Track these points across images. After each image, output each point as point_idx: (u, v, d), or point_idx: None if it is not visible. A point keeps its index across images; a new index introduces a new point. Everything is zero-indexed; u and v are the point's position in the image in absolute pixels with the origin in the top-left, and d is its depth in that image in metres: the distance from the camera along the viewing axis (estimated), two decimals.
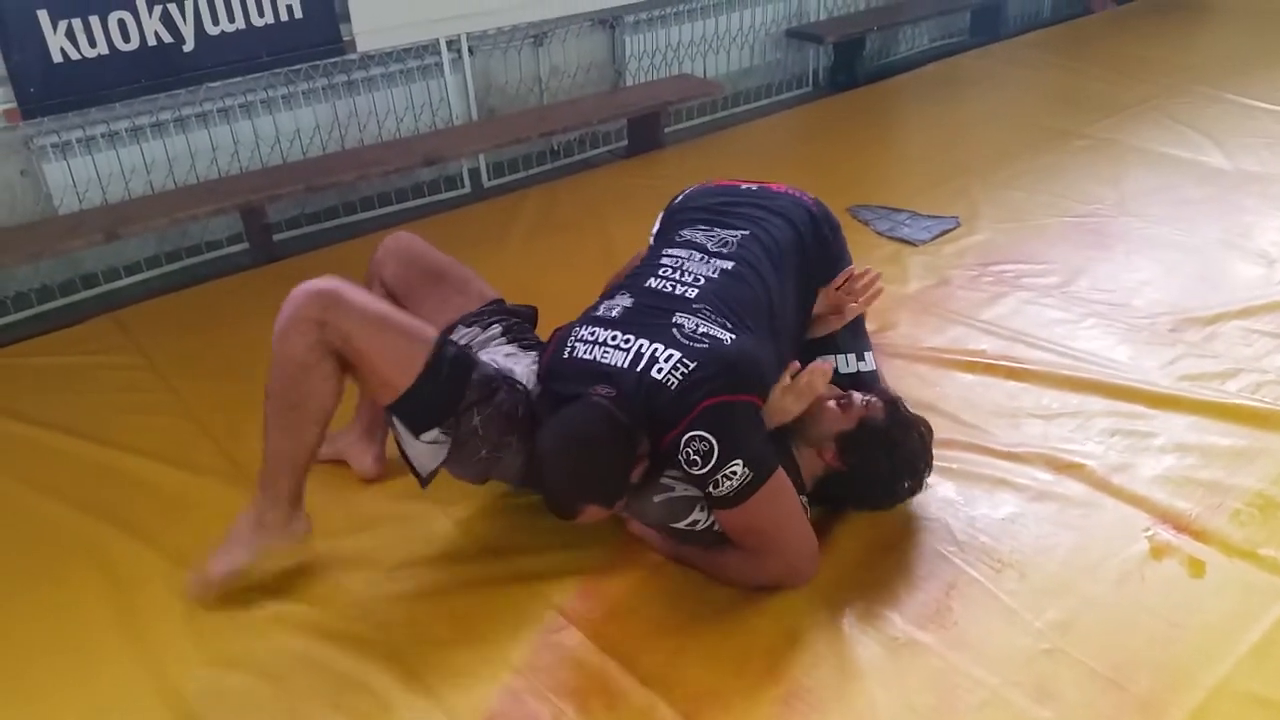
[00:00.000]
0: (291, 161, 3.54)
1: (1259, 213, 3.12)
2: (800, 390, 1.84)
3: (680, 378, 1.69)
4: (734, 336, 1.76)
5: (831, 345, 2.11)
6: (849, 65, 4.76)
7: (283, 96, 3.51)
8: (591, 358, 1.78)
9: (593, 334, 1.82)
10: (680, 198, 2.17)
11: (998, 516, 1.96)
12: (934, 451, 1.94)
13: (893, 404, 1.92)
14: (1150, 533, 1.90)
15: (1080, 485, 2.03)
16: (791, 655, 1.69)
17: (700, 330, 1.75)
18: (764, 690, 1.63)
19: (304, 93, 3.54)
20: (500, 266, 3.05)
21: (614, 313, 1.85)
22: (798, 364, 1.86)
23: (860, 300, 2.11)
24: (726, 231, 1.96)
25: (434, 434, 1.79)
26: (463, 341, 1.99)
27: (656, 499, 1.78)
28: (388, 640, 1.78)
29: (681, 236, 1.98)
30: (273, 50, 3.31)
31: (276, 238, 3.47)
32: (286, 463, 1.80)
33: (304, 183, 3.31)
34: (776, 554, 1.77)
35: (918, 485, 1.93)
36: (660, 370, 1.70)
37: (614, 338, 1.79)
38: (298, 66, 3.44)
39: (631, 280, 1.94)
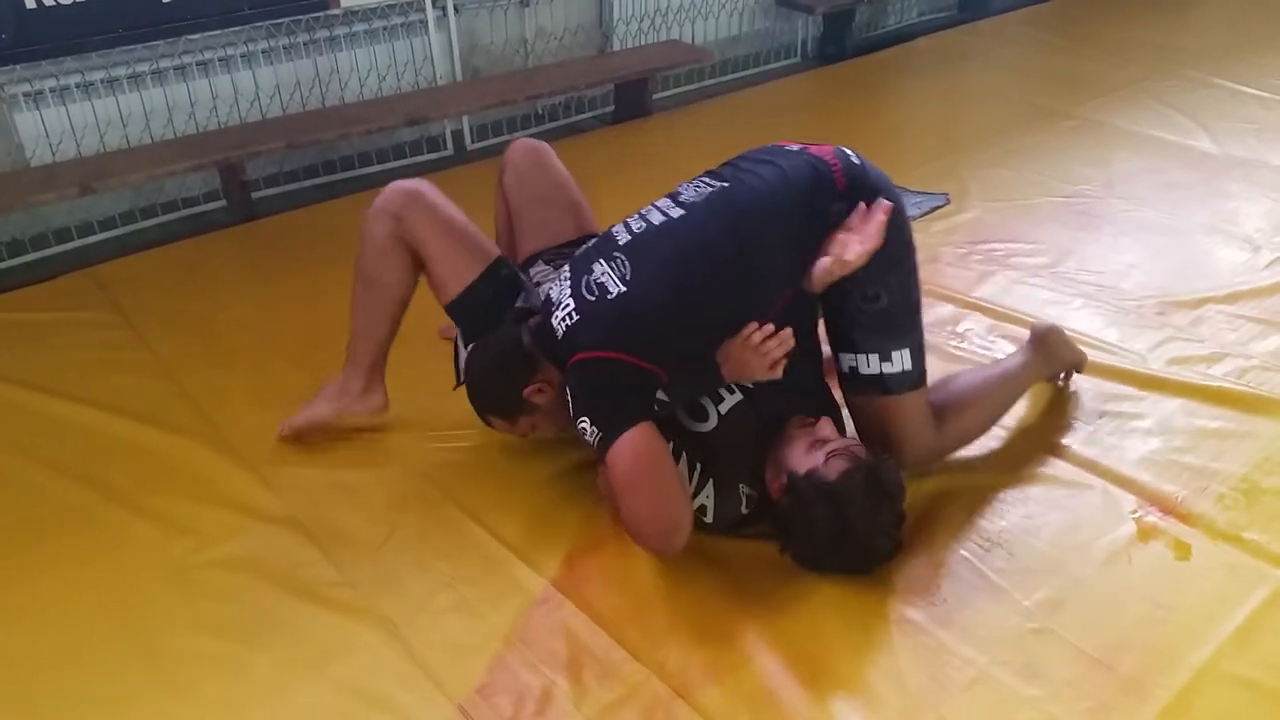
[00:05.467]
0: (271, 118, 3.46)
1: (1245, 198, 3.13)
2: (759, 350, 1.73)
3: (565, 328, 1.78)
4: (624, 289, 1.73)
5: (848, 342, 1.88)
6: (838, 37, 4.72)
7: (263, 51, 3.42)
8: (552, 288, 1.89)
9: (564, 267, 1.92)
10: None
11: (986, 496, 1.97)
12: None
13: (854, 471, 1.69)
14: (1137, 514, 1.91)
15: (1068, 465, 2.04)
16: (782, 631, 1.69)
17: (599, 280, 1.77)
18: (755, 665, 1.63)
19: (285, 48, 3.45)
20: (484, 231, 3.01)
21: (579, 250, 1.94)
22: (767, 326, 1.73)
23: (842, 248, 1.73)
24: (713, 181, 1.85)
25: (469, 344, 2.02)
26: (536, 276, 2.11)
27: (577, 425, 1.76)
28: (374, 609, 1.76)
29: (679, 186, 1.90)
30: (255, 3, 3.22)
31: (254, 195, 3.40)
32: (365, 335, 2.07)
33: (284, 140, 3.24)
34: (626, 513, 1.72)
35: (841, 568, 1.75)
36: (557, 318, 1.81)
37: (565, 274, 1.88)
38: (280, 21, 3.35)
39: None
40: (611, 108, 4.11)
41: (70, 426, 2.23)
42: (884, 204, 1.75)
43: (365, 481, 2.06)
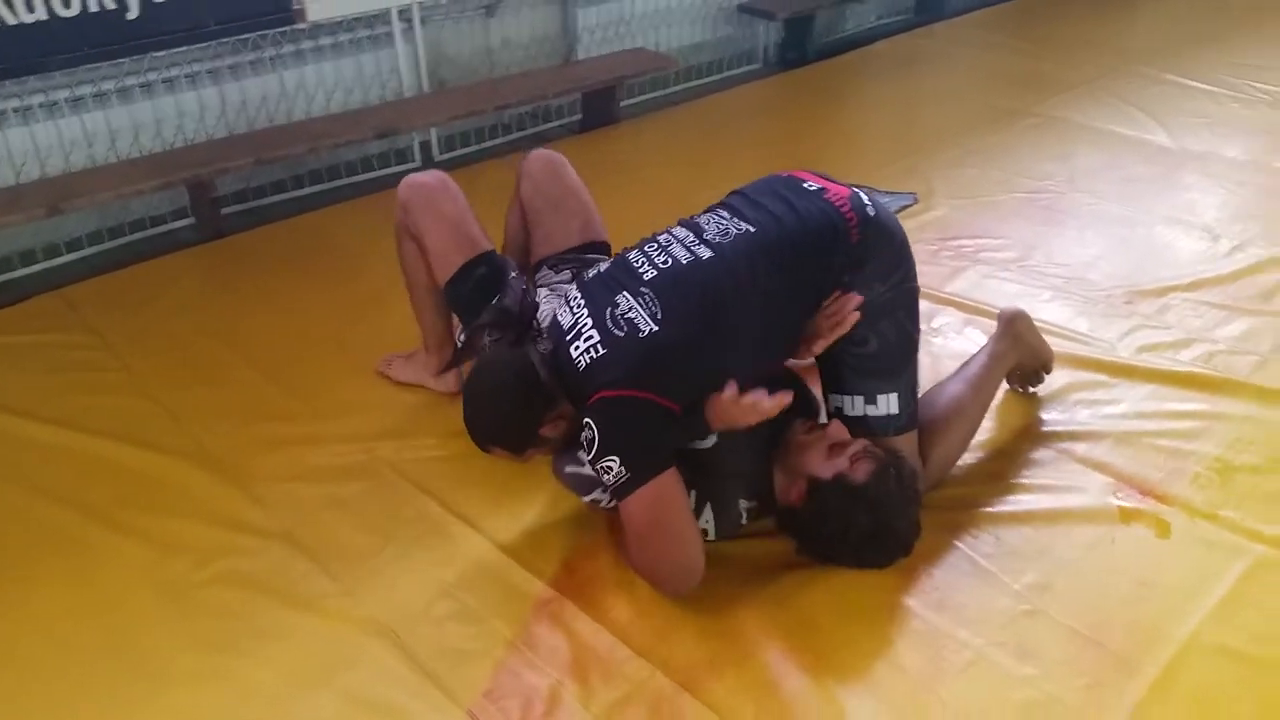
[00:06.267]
0: (239, 134, 3.44)
1: (1201, 190, 3.23)
2: (744, 408, 1.69)
3: (589, 361, 1.72)
4: (655, 329, 1.70)
5: (835, 382, 1.91)
6: (799, 42, 4.78)
7: (229, 67, 3.40)
8: (560, 312, 1.87)
9: (573, 290, 1.89)
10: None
11: (970, 484, 2.01)
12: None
13: (882, 472, 1.74)
14: (1118, 497, 1.97)
15: (1048, 452, 2.09)
16: (783, 624, 1.72)
17: (628, 315, 1.73)
18: (757, 657, 1.66)
19: (251, 63, 3.44)
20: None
21: (590, 274, 1.91)
22: (734, 386, 1.69)
23: (825, 332, 1.81)
24: (738, 221, 1.83)
25: (462, 332, 2.11)
26: (539, 279, 2.16)
27: (568, 469, 1.86)
28: (375, 618, 1.76)
29: (696, 217, 1.91)
30: (220, 18, 3.19)
31: (224, 212, 3.38)
32: (418, 315, 2.27)
33: (252, 156, 3.22)
34: (641, 555, 1.74)
35: (878, 564, 1.79)
36: (577, 348, 1.75)
37: (576, 299, 1.85)
38: (245, 36, 3.34)
39: (631, 246, 1.92)
40: (579, 116, 4.14)
41: (53, 449, 2.20)
42: (854, 298, 1.79)
43: (357, 492, 2.06)
